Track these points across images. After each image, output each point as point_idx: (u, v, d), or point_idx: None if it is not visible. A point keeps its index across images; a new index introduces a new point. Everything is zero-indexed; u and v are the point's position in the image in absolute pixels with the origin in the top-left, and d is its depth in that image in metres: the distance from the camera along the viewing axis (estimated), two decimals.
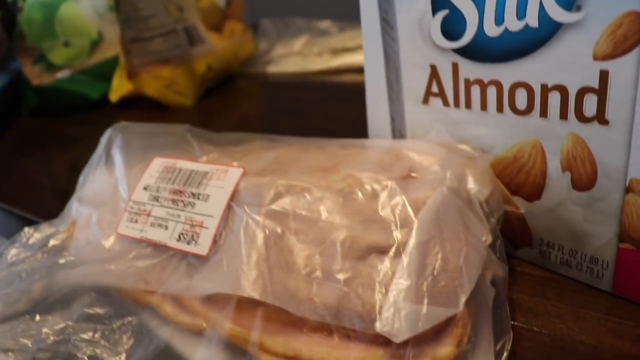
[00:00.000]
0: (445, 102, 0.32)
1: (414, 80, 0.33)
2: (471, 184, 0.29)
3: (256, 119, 0.62)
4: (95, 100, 0.67)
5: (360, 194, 0.28)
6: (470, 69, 0.30)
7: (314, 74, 0.70)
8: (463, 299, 0.25)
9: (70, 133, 0.64)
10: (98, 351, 0.28)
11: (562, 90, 0.27)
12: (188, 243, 0.30)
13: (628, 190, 0.27)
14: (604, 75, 0.25)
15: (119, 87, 0.65)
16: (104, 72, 0.67)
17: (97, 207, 0.35)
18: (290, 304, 0.26)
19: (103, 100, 0.67)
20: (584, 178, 0.28)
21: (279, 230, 0.28)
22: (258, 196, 0.29)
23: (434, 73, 0.31)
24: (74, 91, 0.66)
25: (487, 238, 0.28)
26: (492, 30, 0.28)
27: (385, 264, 0.26)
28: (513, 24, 0.27)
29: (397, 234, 0.26)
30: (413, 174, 0.29)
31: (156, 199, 0.32)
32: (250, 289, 0.27)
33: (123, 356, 0.28)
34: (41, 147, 0.61)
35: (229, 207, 0.30)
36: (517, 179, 0.31)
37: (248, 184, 0.30)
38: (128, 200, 0.33)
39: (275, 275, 0.27)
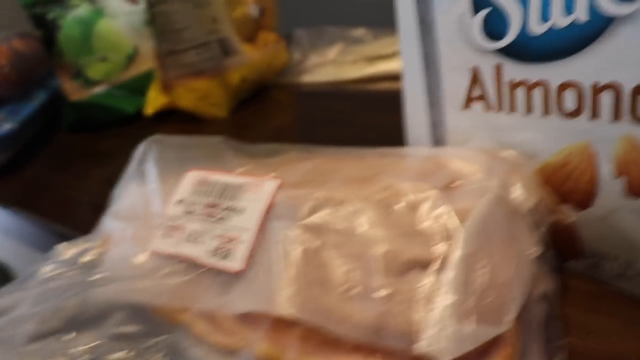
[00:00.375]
0: (488, 107, 0.30)
1: (454, 85, 0.31)
2: (517, 192, 0.27)
3: (290, 130, 0.61)
4: (131, 114, 0.67)
5: (401, 205, 0.27)
6: (514, 70, 0.28)
7: (348, 82, 0.69)
8: (512, 316, 0.23)
9: (106, 147, 0.64)
10: None
11: (616, 89, 0.25)
12: (223, 258, 0.28)
13: None
14: None
15: (154, 101, 0.65)
16: (139, 86, 0.68)
17: (131, 222, 0.34)
18: (328, 322, 0.25)
19: (138, 114, 0.68)
20: (639, 184, 0.26)
21: (316, 244, 0.27)
22: (295, 209, 0.28)
23: (476, 76, 0.30)
24: (110, 106, 0.67)
25: (536, 249, 0.26)
26: (537, 27, 0.26)
27: (428, 280, 0.24)
28: (560, 19, 0.25)
29: (441, 247, 0.25)
30: (456, 183, 0.28)
31: (191, 213, 0.31)
32: (286, 306, 0.25)
33: None
34: (78, 162, 0.61)
35: (265, 220, 0.29)
36: (566, 186, 0.29)
37: (284, 196, 0.29)
38: (162, 215, 0.32)
39: (313, 292, 0.25)
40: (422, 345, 0.23)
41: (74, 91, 0.65)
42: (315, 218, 0.27)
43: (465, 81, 0.30)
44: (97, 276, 0.32)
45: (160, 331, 0.29)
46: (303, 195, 0.28)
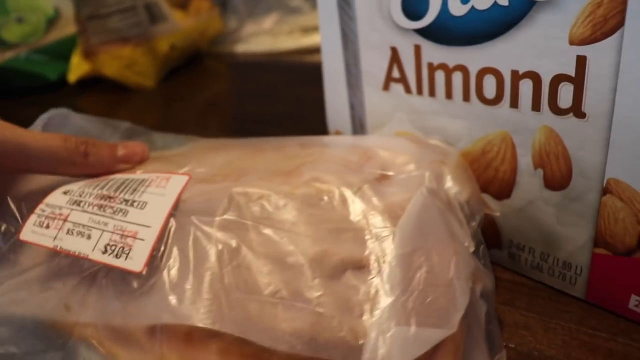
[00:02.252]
0: (407, 89, 0.29)
1: (373, 64, 0.29)
2: (449, 184, 0.25)
3: (222, 102, 0.59)
4: (53, 81, 0.63)
5: (327, 199, 0.24)
6: (433, 52, 0.27)
7: (283, 53, 0.67)
8: (458, 317, 0.21)
9: (26, 115, 0.59)
10: None
11: (535, 78, 0.24)
12: (117, 256, 0.24)
13: (605, 191, 0.24)
14: (581, 62, 0.22)
15: (77, 68, 0.61)
16: (62, 51, 0.64)
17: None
18: (253, 332, 0.21)
19: (61, 81, 0.64)
20: (557, 176, 0.25)
21: (234, 243, 0.23)
22: (208, 205, 0.24)
23: (395, 56, 0.28)
24: (30, 71, 0.62)
25: (470, 244, 0.24)
26: (457, 8, 0.25)
27: (363, 281, 0.22)
28: (481, 1, 0.24)
29: (374, 245, 0.23)
30: (386, 173, 0.26)
31: (77, 203, 0.26)
32: (202, 316, 0.22)
33: None
34: None
35: (171, 217, 0.24)
36: (485, 175, 0.28)
37: (195, 191, 0.25)
38: (39, 202, 0.26)
39: (233, 298, 0.22)
40: (366, 355, 0.20)
41: None
42: (233, 215, 0.24)
43: (384, 61, 0.29)
44: None
45: (50, 347, 0.24)
46: (217, 190, 0.25)
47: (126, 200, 0.25)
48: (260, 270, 0.22)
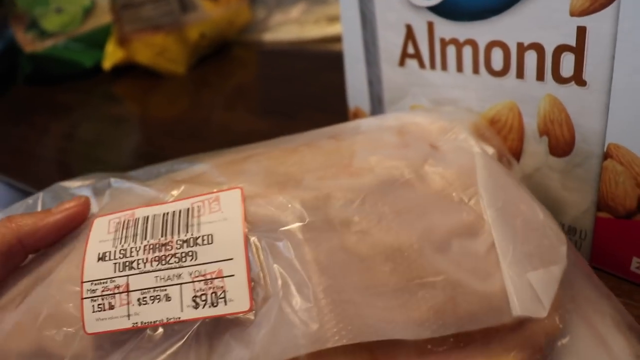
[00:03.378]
0: (422, 64, 0.30)
1: (390, 42, 0.31)
2: (483, 143, 0.26)
3: (250, 87, 0.61)
4: (89, 68, 0.66)
5: (402, 180, 0.23)
6: (445, 28, 0.28)
7: (310, 42, 0.69)
8: (564, 250, 0.22)
9: (64, 100, 0.63)
10: None
11: (539, 49, 0.25)
12: (214, 305, 0.20)
13: (606, 156, 0.25)
14: (581, 32, 0.24)
15: (112, 55, 0.64)
16: (97, 40, 0.66)
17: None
18: (391, 331, 0.20)
19: (97, 68, 0.67)
20: (561, 143, 0.27)
21: (335, 247, 0.21)
22: (282, 216, 0.22)
23: (410, 33, 0.30)
24: (68, 59, 0.65)
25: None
26: None
27: (474, 244, 0.22)
28: None
29: (469, 209, 0.23)
30: (435, 144, 0.26)
31: (128, 266, 0.21)
32: (336, 335, 0.19)
33: None
34: (36, 115, 0.60)
35: (248, 239, 0.22)
36: None
37: (256, 206, 0.23)
38: (80, 282, 0.21)
39: (357, 303, 0.20)
40: (517, 310, 0.20)
41: (29, 43, 0.64)
42: (317, 219, 0.22)
43: (400, 38, 0.30)
44: None
45: None
46: (282, 201, 0.23)
47: (186, 241, 0.22)
48: (372, 266, 0.21)
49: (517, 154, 0.29)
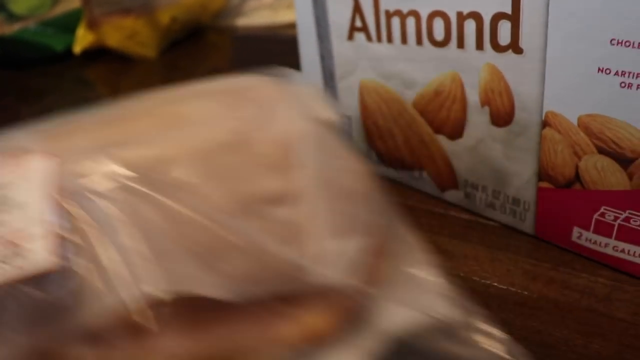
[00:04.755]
0: (369, 37, 0.30)
1: (339, 15, 0.31)
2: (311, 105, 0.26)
3: (222, 70, 0.61)
4: (59, 52, 0.66)
5: (227, 144, 0.23)
6: (390, 0, 0.28)
7: (283, 26, 0.69)
8: (383, 220, 0.23)
9: (35, 85, 0.63)
10: None
11: (477, 18, 0.25)
12: (14, 266, 0.19)
13: (545, 124, 0.25)
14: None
15: (82, 39, 0.64)
16: (68, 24, 0.66)
17: None
18: (201, 289, 0.20)
19: (68, 52, 0.66)
20: (502, 112, 0.27)
21: (151, 202, 0.21)
22: (92, 180, 0.21)
23: (357, 6, 0.30)
24: (38, 42, 0.65)
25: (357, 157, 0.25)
26: None
27: (287, 213, 0.22)
28: None
29: (288, 178, 0.22)
30: (266, 111, 0.25)
31: None
32: (149, 288, 0.20)
33: None
34: (6, 99, 0.60)
35: (53, 199, 0.20)
36: (440, 115, 0.29)
37: (69, 170, 0.21)
38: None
39: (170, 260, 0.20)
40: (312, 276, 0.21)
41: None
42: (131, 179, 0.21)
43: (348, 12, 0.30)
44: None
45: None
46: (99, 160, 0.22)
47: None
48: (185, 227, 0.21)
49: (461, 125, 0.29)
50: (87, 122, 0.25)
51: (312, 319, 0.21)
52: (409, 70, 0.29)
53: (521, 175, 0.28)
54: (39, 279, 0.19)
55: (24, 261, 0.19)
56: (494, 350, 0.22)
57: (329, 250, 0.21)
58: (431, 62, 0.28)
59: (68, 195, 0.20)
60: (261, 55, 0.63)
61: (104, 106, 0.26)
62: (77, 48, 0.64)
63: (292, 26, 0.68)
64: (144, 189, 0.21)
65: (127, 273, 0.19)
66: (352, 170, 0.24)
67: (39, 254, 0.19)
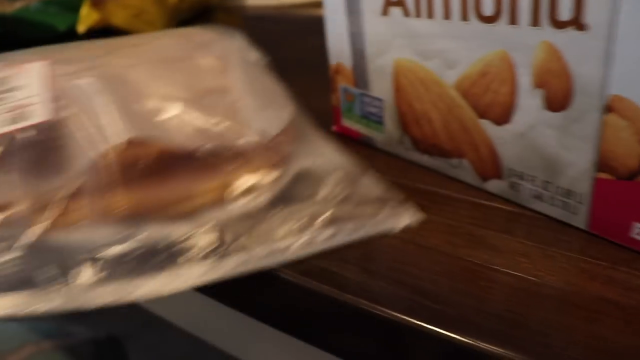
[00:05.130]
0: (406, 12, 0.28)
1: None
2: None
3: None
4: (62, 32, 0.63)
5: (177, 57, 0.32)
6: None
7: (292, 6, 0.66)
8: (290, 107, 0.31)
9: None
10: None
11: None
12: (15, 122, 0.26)
13: (608, 109, 0.23)
14: None
15: (87, 18, 0.61)
16: (71, 2, 0.63)
17: None
18: (166, 138, 0.27)
19: (71, 32, 0.63)
20: (558, 96, 0.24)
21: (114, 83, 0.28)
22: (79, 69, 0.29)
23: None
24: (40, 21, 0.62)
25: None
26: None
27: (226, 98, 0.30)
28: None
29: (223, 77, 0.31)
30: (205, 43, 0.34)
31: None
32: (124, 133, 0.26)
33: None
34: None
35: (52, 83, 0.28)
36: (485, 98, 0.27)
37: (61, 67, 0.30)
38: None
39: (143, 120, 0.27)
40: (258, 133, 0.28)
41: None
42: (109, 64, 0.30)
43: None
44: None
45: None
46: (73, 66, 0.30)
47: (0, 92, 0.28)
48: (149, 89, 0.29)
49: (509, 109, 0.26)
50: (74, 47, 0.35)
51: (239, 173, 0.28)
52: (452, 48, 0.27)
53: (576, 165, 0.25)
54: (40, 126, 0.26)
55: (28, 117, 0.26)
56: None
57: (255, 118, 0.29)
58: (477, 39, 0.25)
59: (58, 80, 0.28)
60: (272, 35, 0.61)
61: (93, 41, 0.36)
62: (81, 27, 0.61)
63: (302, 6, 0.65)
64: (113, 74, 0.29)
65: (99, 128, 0.26)
66: (266, 78, 0.33)
67: (39, 111, 0.27)
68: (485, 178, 0.29)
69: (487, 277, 0.25)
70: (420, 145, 0.31)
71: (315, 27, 0.60)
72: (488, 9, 0.24)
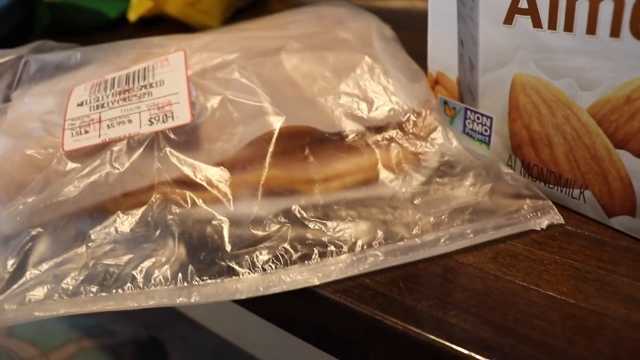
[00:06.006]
0: (537, 22, 0.24)
1: None
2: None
3: None
4: (112, 19, 0.60)
5: (319, 32, 0.33)
6: None
7: None
8: (424, 74, 0.31)
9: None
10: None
11: None
12: (164, 121, 0.27)
13: None
14: None
15: (138, 5, 0.58)
16: None
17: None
18: (313, 123, 0.28)
19: (121, 19, 0.61)
20: None
21: (269, 66, 0.30)
22: (222, 57, 0.30)
23: None
24: (90, 8, 0.59)
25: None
26: None
27: (371, 74, 0.30)
28: None
29: (368, 53, 0.31)
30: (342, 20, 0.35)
31: (100, 106, 0.28)
32: (277, 118, 0.27)
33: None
34: None
35: (189, 79, 0.29)
36: (627, 127, 0.23)
37: (199, 58, 0.30)
38: (64, 120, 0.28)
39: (291, 104, 0.28)
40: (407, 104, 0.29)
41: None
42: (250, 52, 0.30)
43: None
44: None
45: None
46: (217, 54, 0.31)
47: (144, 86, 0.29)
48: (298, 84, 0.29)
49: None
50: (210, 32, 0.36)
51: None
52: (593, 67, 0.23)
53: None
54: (179, 129, 0.27)
55: (169, 118, 0.27)
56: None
57: (404, 94, 0.29)
58: (628, 59, 0.22)
59: (195, 74, 0.29)
60: None
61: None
62: (133, 15, 0.58)
63: None
64: (262, 58, 0.30)
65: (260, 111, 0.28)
66: (404, 54, 0.33)
67: (179, 113, 0.27)
68: (612, 213, 0.26)
69: (632, 337, 0.21)
70: (534, 170, 0.28)
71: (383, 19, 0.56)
72: None
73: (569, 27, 0.23)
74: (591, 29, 0.22)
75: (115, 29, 0.61)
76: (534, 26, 0.24)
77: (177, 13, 0.57)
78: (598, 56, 0.23)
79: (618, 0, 0.21)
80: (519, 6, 0.24)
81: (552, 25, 0.23)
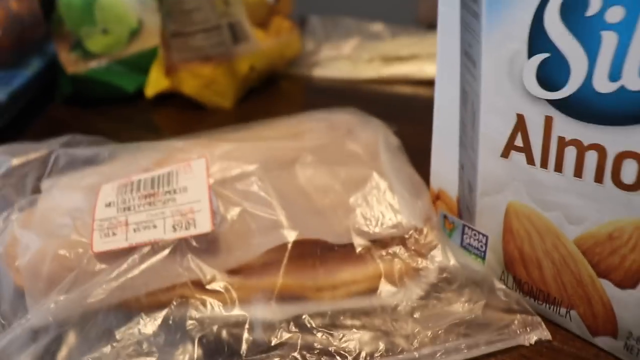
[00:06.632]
0: (530, 160, 0.27)
1: (493, 129, 0.28)
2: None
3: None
4: (130, 93, 0.63)
5: (329, 146, 0.36)
6: (567, 127, 0.25)
7: (362, 82, 0.65)
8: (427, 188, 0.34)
9: (100, 127, 0.60)
10: None
11: None
12: (187, 229, 0.29)
13: None
14: None
15: (156, 83, 0.61)
16: (141, 64, 0.63)
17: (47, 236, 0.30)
18: (324, 235, 0.30)
19: (138, 93, 0.64)
20: None
21: (285, 179, 0.33)
22: (231, 173, 0.33)
23: (521, 124, 0.26)
24: (109, 82, 0.62)
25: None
26: (603, 85, 0.23)
27: (376, 187, 0.33)
28: (634, 81, 0.22)
29: (373, 166, 0.34)
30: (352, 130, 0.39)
31: (127, 208, 0.31)
32: (292, 232, 0.29)
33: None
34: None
35: (211, 188, 0.31)
36: (609, 260, 0.26)
37: (219, 167, 0.33)
38: (92, 220, 0.30)
39: (303, 216, 0.30)
40: (408, 220, 0.32)
41: (72, 63, 0.61)
42: (268, 165, 0.33)
43: (507, 127, 0.27)
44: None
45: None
46: (235, 164, 0.33)
47: (168, 192, 0.31)
48: (311, 196, 0.32)
49: (637, 276, 0.25)
50: (228, 135, 0.39)
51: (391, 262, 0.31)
52: (579, 205, 0.26)
53: None
54: (200, 237, 0.29)
55: (192, 226, 0.29)
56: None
57: (407, 209, 0.32)
58: (611, 203, 0.24)
59: (216, 182, 0.32)
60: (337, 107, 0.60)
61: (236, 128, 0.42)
62: (150, 91, 0.62)
63: (373, 82, 0.65)
64: (279, 171, 0.33)
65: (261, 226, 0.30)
66: (408, 167, 0.36)
67: (201, 222, 0.29)
68: (596, 333, 0.28)
69: None
70: (525, 287, 0.30)
71: (386, 108, 0.59)
72: (629, 178, 0.23)
73: (558, 168, 0.26)
74: (578, 172, 0.25)
75: (130, 101, 0.64)
76: (528, 163, 0.27)
77: (193, 93, 0.60)
78: (584, 197, 0.25)
79: (601, 152, 0.24)
80: (514, 143, 0.27)
81: (544, 165, 0.26)
